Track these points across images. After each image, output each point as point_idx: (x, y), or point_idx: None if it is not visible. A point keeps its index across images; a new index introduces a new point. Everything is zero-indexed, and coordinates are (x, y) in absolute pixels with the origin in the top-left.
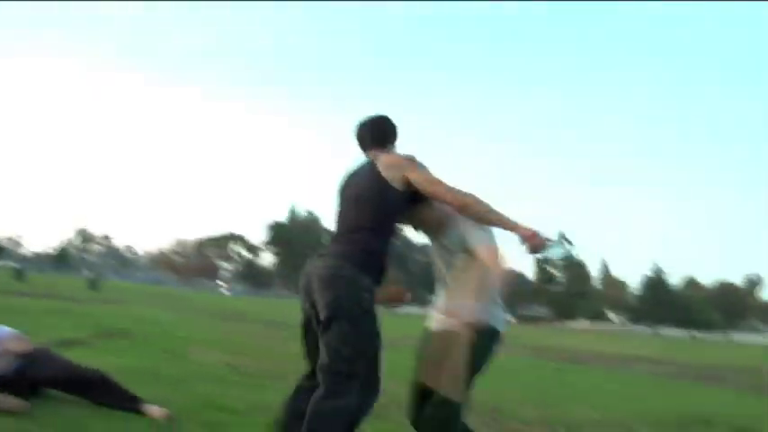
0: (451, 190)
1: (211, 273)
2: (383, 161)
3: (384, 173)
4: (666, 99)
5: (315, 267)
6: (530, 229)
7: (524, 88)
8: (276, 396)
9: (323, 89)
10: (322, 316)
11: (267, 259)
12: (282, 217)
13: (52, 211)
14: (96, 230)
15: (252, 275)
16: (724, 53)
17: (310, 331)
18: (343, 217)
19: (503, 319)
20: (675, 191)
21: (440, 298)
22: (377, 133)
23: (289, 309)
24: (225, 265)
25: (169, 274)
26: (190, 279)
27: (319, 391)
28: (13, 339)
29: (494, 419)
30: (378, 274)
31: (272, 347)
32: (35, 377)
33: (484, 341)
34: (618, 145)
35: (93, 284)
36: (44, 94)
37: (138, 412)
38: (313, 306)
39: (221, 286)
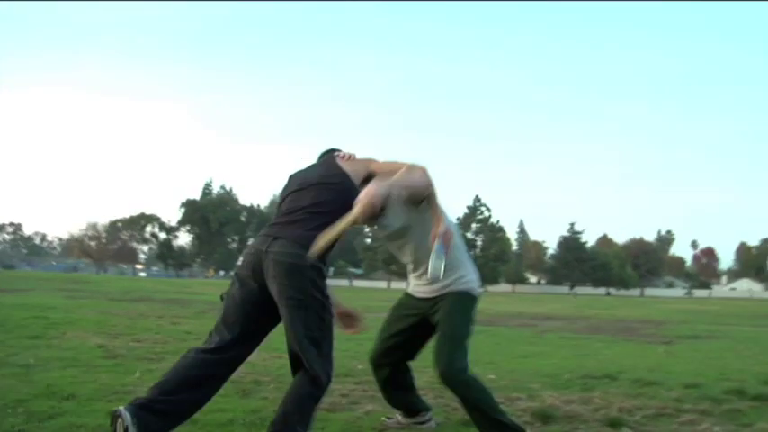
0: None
1: (128, 256)
2: (343, 159)
3: (344, 165)
4: (569, 55)
5: (272, 251)
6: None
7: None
8: (135, 379)
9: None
10: (285, 303)
11: (184, 239)
12: (196, 194)
13: None
14: (3, 219)
15: (169, 256)
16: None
17: (241, 304)
18: (298, 199)
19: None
20: (589, 149)
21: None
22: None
23: (198, 287)
24: (142, 247)
25: (85, 260)
26: (106, 263)
27: (302, 377)
28: None
29: None
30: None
31: (162, 327)
32: None
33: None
34: (529, 106)
35: None
36: None
37: None
38: (262, 287)
39: (138, 269)
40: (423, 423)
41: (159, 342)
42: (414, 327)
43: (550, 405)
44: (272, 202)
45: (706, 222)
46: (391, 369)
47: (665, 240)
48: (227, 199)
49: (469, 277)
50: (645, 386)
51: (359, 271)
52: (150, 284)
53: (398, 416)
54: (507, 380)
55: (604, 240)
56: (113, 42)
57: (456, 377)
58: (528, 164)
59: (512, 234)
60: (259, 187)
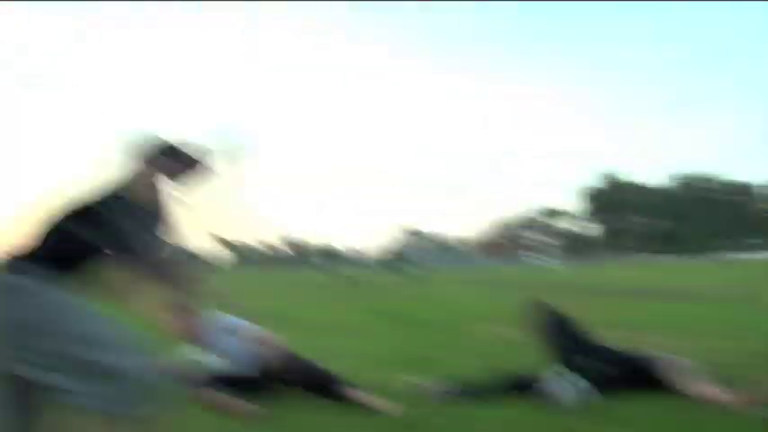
0: None
1: (534, 249)
2: None
3: None
4: None
5: None
6: None
7: None
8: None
9: None
10: None
11: (592, 229)
12: (598, 183)
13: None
14: (424, 227)
15: (577, 247)
16: None
17: None
18: None
19: None
20: None
21: None
22: None
23: (611, 273)
24: (546, 239)
25: (493, 257)
26: (513, 257)
27: None
28: (263, 339)
29: None
30: None
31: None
32: (279, 378)
33: None
34: None
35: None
36: None
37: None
38: None
39: (541, 259)
40: None
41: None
42: None
43: None
44: None
45: None
46: None
47: None
48: (629, 187)
49: None
50: None
51: (757, 240)
52: (562, 274)
53: None
54: None
55: None
56: None
57: None
58: None
59: None
60: None
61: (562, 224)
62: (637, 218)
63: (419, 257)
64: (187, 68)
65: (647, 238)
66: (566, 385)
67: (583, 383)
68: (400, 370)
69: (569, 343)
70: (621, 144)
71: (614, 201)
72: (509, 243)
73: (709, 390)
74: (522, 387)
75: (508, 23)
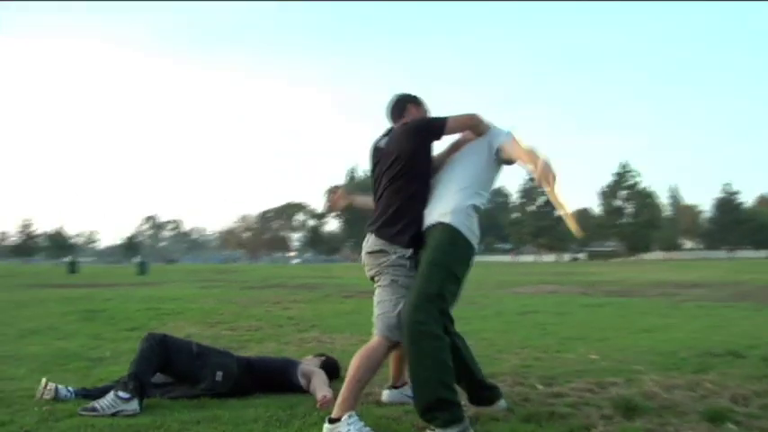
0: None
1: (280, 244)
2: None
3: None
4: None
5: None
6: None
7: None
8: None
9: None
10: None
11: (334, 224)
12: (341, 180)
13: (123, 204)
14: (165, 216)
15: (319, 242)
16: None
17: None
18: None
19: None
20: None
21: None
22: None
23: (340, 270)
24: (293, 235)
25: (240, 251)
26: (259, 253)
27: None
28: None
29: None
30: None
31: (269, 313)
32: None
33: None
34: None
35: (71, 268)
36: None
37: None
38: None
39: (291, 257)
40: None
41: (252, 329)
42: None
43: (646, 392)
44: None
45: None
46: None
47: None
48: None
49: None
50: None
51: (507, 246)
52: (293, 271)
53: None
54: (611, 360)
55: (764, 200)
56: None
57: (408, 327)
58: (677, 126)
59: (663, 199)
60: None
61: (301, 218)
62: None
63: (156, 250)
64: None
65: None
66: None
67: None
68: None
69: (181, 357)
70: None
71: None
72: (254, 237)
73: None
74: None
75: None
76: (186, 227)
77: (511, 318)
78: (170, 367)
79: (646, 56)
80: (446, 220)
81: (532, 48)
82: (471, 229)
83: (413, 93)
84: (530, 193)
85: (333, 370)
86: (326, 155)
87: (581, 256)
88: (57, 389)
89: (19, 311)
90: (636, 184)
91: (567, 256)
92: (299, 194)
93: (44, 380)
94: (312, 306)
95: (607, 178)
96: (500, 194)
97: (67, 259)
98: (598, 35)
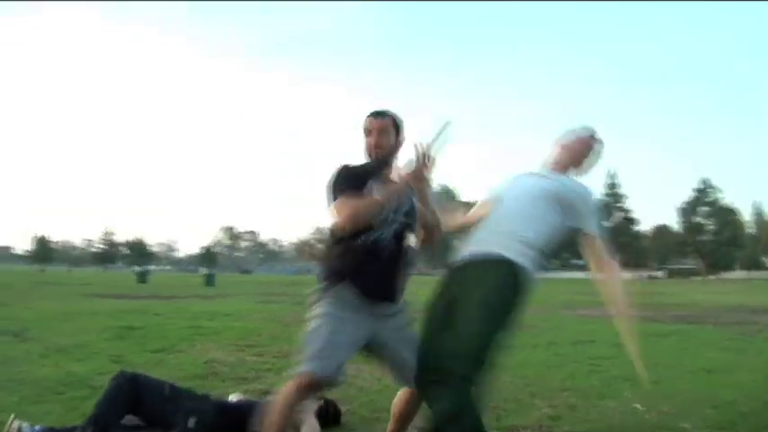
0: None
1: None
2: None
3: None
4: None
5: None
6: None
7: None
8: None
9: None
10: None
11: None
12: None
13: (202, 214)
14: (242, 227)
15: None
16: None
17: None
18: None
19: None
20: None
21: None
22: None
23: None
24: None
25: (313, 263)
26: None
27: None
28: None
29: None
30: None
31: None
32: None
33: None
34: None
35: (141, 277)
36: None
37: None
38: None
39: None
40: None
41: (281, 355)
42: None
43: None
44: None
45: None
46: None
47: None
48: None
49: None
50: None
51: (581, 262)
52: None
53: None
54: (657, 411)
55: None
56: None
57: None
58: (762, 139)
59: (746, 216)
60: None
61: None
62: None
63: (233, 260)
64: None
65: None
66: None
67: None
68: None
69: (153, 399)
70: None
71: None
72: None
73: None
74: None
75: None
76: (263, 237)
77: (562, 349)
78: (140, 409)
79: (727, 67)
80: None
81: (609, 60)
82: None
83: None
84: (609, 208)
85: (328, 417)
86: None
87: (659, 274)
88: (20, 428)
89: (61, 324)
90: (717, 200)
91: (645, 275)
92: None
93: (12, 416)
94: None
95: (687, 194)
96: None
97: (138, 268)
98: (676, 47)
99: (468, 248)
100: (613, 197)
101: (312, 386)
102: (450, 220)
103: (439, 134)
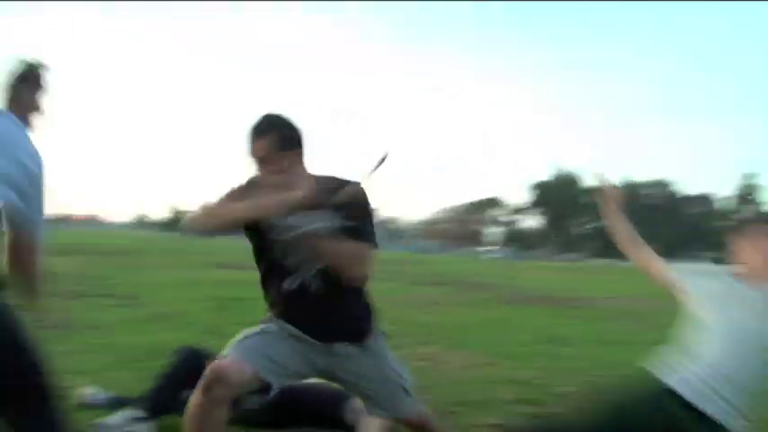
0: None
1: (476, 238)
2: None
3: None
4: None
5: None
6: None
7: None
8: None
9: None
10: None
11: (531, 221)
12: (545, 176)
13: None
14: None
15: (516, 238)
16: None
17: None
18: None
19: None
20: None
21: None
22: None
23: (529, 271)
24: (489, 230)
25: (436, 242)
26: (453, 245)
27: None
28: None
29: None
30: None
31: (408, 317)
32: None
33: None
34: None
35: None
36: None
37: None
38: None
39: (488, 251)
40: None
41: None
42: None
43: None
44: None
45: None
46: None
47: None
48: (571, 182)
49: None
50: None
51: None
52: (477, 267)
53: None
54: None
55: None
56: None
57: None
58: None
59: None
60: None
61: (496, 213)
62: (583, 217)
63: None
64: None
65: (590, 238)
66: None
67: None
68: None
69: None
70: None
71: (561, 197)
72: (451, 229)
73: None
74: None
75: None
76: (386, 214)
77: None
78: None
79: None
80: None
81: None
82: None
83: None
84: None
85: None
86: (523, 153)
87: None
88: (89, 393)
89: (170, 291)
90: None
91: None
92: (496, 190)
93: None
94: (462, 310)
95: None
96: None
97: None
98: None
99: (678, 378)
100: None
101: (219, 377)
102: (634, 251)
103: (377, 166)
